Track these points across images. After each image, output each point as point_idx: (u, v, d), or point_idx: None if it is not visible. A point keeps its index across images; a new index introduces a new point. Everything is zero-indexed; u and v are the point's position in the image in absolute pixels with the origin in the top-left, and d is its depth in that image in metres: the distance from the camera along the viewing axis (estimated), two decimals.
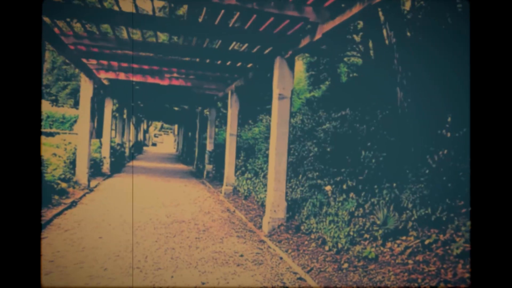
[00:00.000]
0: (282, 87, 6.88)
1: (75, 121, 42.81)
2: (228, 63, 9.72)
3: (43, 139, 14.84)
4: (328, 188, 6.48)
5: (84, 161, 10.82)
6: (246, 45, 7.89)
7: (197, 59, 9.59)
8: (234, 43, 8.09)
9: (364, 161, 6.45)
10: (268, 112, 23.02)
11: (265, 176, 10.50)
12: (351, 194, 6.26)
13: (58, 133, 24.99)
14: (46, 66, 37.21)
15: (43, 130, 35.32)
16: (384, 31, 12.33)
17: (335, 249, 5.37)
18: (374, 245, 5.04)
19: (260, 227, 7.56)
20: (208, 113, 24.06)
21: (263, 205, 9.29)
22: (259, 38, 6.85)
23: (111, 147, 17.63)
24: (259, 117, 20.63)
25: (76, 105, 35.66)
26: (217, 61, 9.77)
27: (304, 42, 5.95)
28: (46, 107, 45.94)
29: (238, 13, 6.44)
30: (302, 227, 6.58)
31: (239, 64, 9.77)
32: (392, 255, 4.70)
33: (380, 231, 4.99)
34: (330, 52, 17.86)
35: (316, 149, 8.11)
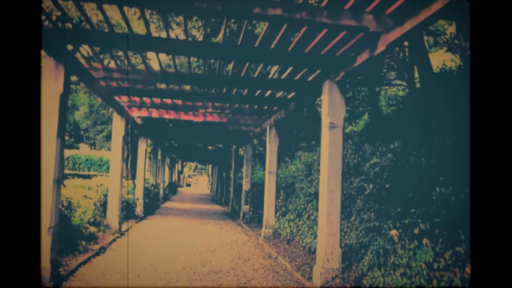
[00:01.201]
0: (332, 115, 5.99)
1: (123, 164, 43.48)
2: (268, 93, 8.99)
3: (76, 181, 14.47)
4: (393, 232, 5.38)
5: (115, 204, 10.16)
6: (288, 70, 7.12)
7: (234, 91, 8.90)
8: (274, 70, 7.37)
9: (437, 200, 5.33)
10: (304, 149, 22.09)
11: (309, 218, 9.42)
12: (425, 241, 5.12)
13: (96, 176, 25.01)
14: (84, 110, 38.34)
15: (81, 172, 35.88)
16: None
17: None
18: None
19: (310, 279, 6.44)
20: (243, 151, 23.45)
21: (310, 252, 8.17)
22: (305, 60, 6.07)
23: (145, 188, 17.10)
24: (297, 154, 19.77)
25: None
26: (255, 92, 9.05)
27: (362, 58, 5.10)
28: (84, 150, 47.12)
29: (279, 35, 5.74)
30: (364, 281, 5.43)
31: (279, 94, 9.02)
32: None
33: None
34: (368, 82, 16.93)
35: (371, 185, 7.04)
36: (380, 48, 4.58)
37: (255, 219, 15.29)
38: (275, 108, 10.40)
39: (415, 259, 4.91)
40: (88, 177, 29.31)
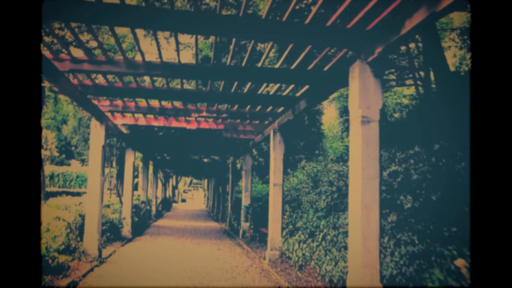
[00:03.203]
0: (365, 106, 4.52)
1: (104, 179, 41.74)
2: (274, 88, 7.52)
3: (57, 200, 12.88)
4: (460, 263, 3.88)
5: (93, 225, 8.57)
6: (302, 55, 5.65)
7: (233, 87, 7.39)
8: (283, 58, 5.91)
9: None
10: (306, 160, 20.64)
11: (325, 238, 7.88)
12: None
13: (85, 193, 23.37)
14: (73, 123, 36.73)
15: (71, 190, 34.10)
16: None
17: None
18: None
19: None
20: (240, 164, 21.88)
21: (332, 282, 6.61)
22: (327, 36, 4.62)
23: (134, 206, 15.48)
24: (300, 164, 18.30)
25: (109, 164, 34.29)
26: (259, 89, 7.58)
27: (413, 21, 3.65)
28: (76, 167, 45.31)
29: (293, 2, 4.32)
30: None
31: (287, 91, 7.56)
32: None
33: None
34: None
35: (410, 198, 5.55)
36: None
37: (256, 238, 13.71)
38: (280, 109, 8.92)
39: None
40: (78, 194, 27.66)
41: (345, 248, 7.05)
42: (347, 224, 8.13)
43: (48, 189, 34.12)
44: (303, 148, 22.17)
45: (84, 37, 11.71)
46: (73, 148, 46.90)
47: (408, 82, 14.16)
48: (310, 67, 6.06)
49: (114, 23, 4.58)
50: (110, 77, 8.61)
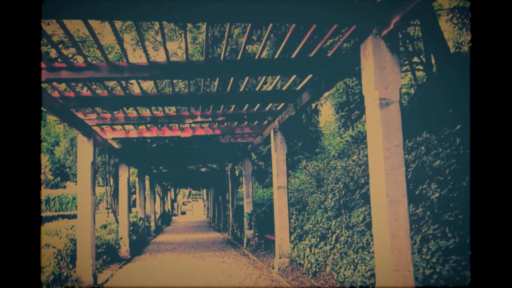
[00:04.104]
0: (383, 86, 3.95)
1: (101, 199, 40.79)
2: (274, 83, 6.95)
3: (45, 227, 12.16)
4: None
5: (86, 249, 7.90)
6: (305, 39, 5.08)
7: (228, 86, 6.78)
8: (282, 46, 5.34)
9: None
10: (307, 160, 20.10)
11: (338, 240, 7.29)
12: None
13: None
14: (65, 144, 35.86)
15: (67, 213, 33.18)
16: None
17: None
18: None
19: None
20: (239, 170, 21.28)
21: None
22: (332, 12, 4.05)
23: (132, 224, 14.78)
24: (301, 164, 17.74)
25: (104, 183, 33.38)
26: (257, 86, 7.01)
27: None
28: (72, 189, 44.30)
29: None
30: None
31: (287, 84, 6.97)
32: None
33: None
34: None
35: (435, 186, 4.99)
36: None
37: (262, 246, 13.08)
38: (280, 106, 8.33)
39: None
40: (75, 216, 26.87)
41: (363, 248, 6.47)
42: (361, 222, 7.55)
43: (44, 214, 33.25)
44: (301, 149, 21.70)
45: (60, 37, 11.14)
46: (67, 169, 45.96)
47: (403, 68, 13.68)
48: (312, 53, 5.51)
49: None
50: (95, 87, 8.00)
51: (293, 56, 5.58)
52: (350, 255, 6.42)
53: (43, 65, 5.60)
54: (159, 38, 16.54)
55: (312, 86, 6.48)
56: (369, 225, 6.99)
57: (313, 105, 20.63)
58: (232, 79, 6.30)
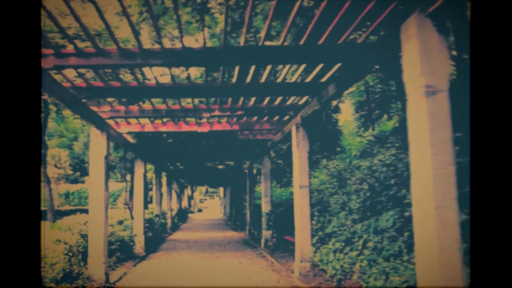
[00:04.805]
0: (430, 72, 3.40)
1: (119, 195, 40.95)
2: (297, 74, 6.42)
3: (62, 221, 11.97)
4: None
5: (98, 247, 7.55)
6: (332, 25, 4.55)
7: (248, 76, 6.28)
8: (309, 29, 4.82)
9: None
10: (328, 159, 19.47)
11: (366, 245, 6.72)
12: None
13: None
14: (83, 139, 36.12)
15: (86, 207, 33.34)
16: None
17: None
18: None
19: None
20: (256, 168, 20.78)
21: None
22: None
23: (148, 220, 14.47)
24: (321, 164, 17.16)
25: (122, 178, 33.31)
26: (278, 77, 6.49)
27: None
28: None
29: None
30: None
31: (311, 76, 6.44)
32: None
33: None
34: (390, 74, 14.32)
35: None
36: None
37: (280, 247, 12.60)
38: (302, 101, 7.79)
39: None
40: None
41: (394, 256, 5.88)
42: (391, 227, 6.96)
43: (62, 207, 33.53)
44: (319, 148, 21.09)
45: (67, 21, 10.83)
46: (86, 165, 46.35)
47: None
48: (341, 40, 4.96)
49: None
50: (107, 77, 7.64)
51: (320, 42, 5.04)
52: (380, 263, 5.86)
53: (50, 51, 5.23)
54: (175, 33, 16.19)
55: (338, 78, 5.92)
56: (399, 231, 6.42)
57: (334, 103, 19.99)
58: (253, 68, 5.80)
